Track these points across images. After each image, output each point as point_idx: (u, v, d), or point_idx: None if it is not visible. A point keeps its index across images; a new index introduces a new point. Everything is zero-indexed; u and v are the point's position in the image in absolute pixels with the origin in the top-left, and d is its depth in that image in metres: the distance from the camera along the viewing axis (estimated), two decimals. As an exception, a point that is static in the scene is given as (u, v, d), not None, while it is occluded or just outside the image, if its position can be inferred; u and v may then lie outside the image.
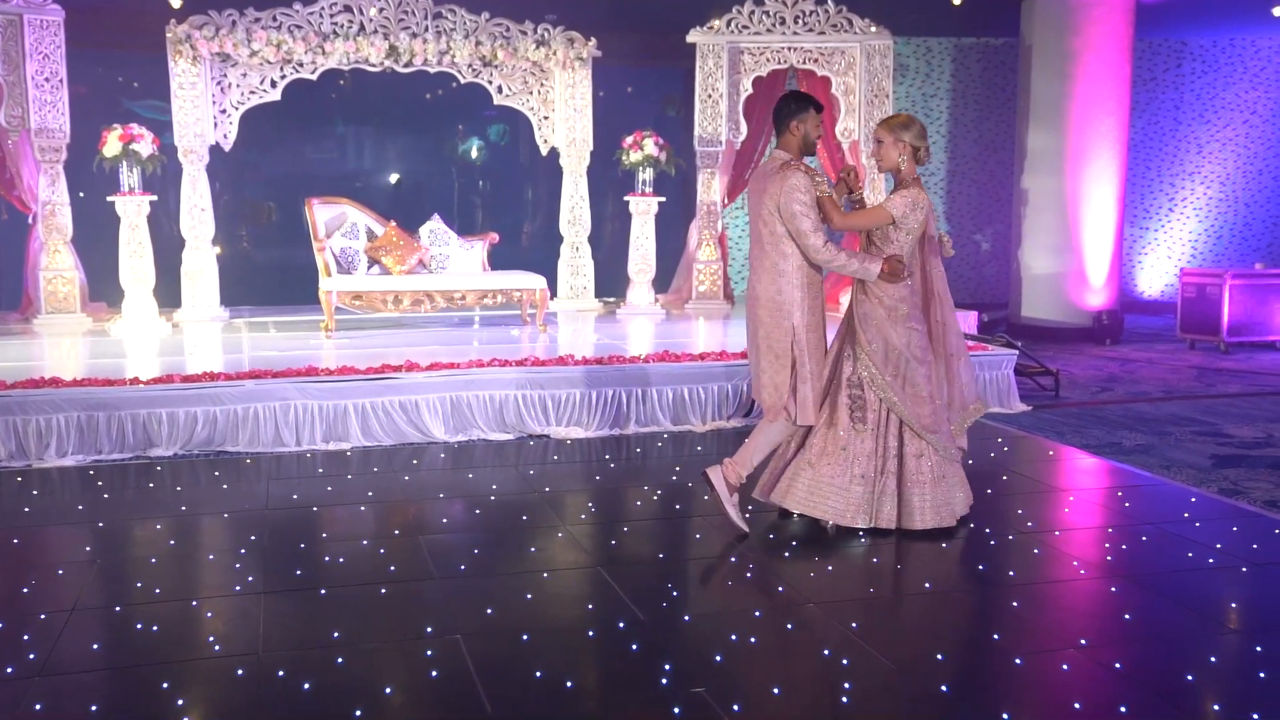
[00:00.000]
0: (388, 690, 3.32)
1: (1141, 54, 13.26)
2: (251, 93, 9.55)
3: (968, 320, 10.26)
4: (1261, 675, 3.42)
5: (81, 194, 10.23)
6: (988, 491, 5.57)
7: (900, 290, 4.73)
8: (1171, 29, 13.28)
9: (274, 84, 9.56)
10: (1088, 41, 11.24)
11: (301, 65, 9.51)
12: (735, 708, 3.18)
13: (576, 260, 10.45)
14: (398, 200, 12.78)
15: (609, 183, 11.74)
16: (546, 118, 10.28)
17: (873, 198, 10.43)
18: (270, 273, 12.09)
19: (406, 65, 9.70)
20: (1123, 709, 3.19)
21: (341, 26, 9.39)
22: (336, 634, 3.71)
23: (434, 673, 3.43)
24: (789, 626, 3.81)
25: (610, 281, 10.97)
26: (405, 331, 8.81)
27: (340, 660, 3.50)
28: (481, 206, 13.95)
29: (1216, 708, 3.20)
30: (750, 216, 4.82)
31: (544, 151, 10.43)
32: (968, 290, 13.64)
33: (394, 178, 13.17)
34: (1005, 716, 3.13)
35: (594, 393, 6.92)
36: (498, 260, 9.98)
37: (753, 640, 3.69)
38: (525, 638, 3.69)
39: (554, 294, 10.23)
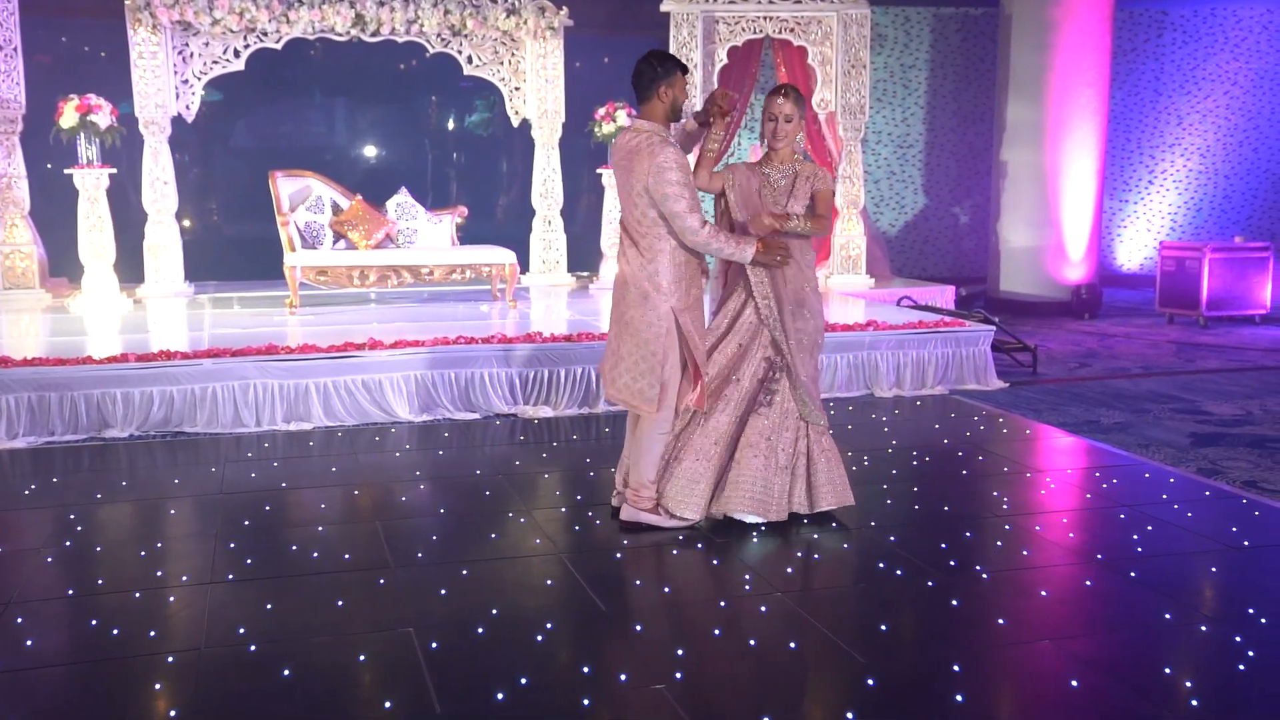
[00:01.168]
0: (331, 687, 3.18)
1: (1122, 24, 13.10)
2: (214, 62, 9.31)
3: (945, 295, 10.16)
4: (1241, 668, 3.32)
5: (49, 165, 9.99)
6: (962, 473, 5.46)
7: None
8: (1153, -1, 13.14)
9: (237, 53, 9.32)
10: (1068, 11, 11.09)
11: (266, 34, 9.26)
12: (695, 706, 3.06)
13: (549, 234, 10.27)
14: (366, 174, 12.55)
15: (584, 155, 11.54)
16: (518, 88, 10.07)
17: (851, 169, 10.29)
18: (237, 247, 11.86)
19: (374, 34, 9.47)
20: (1090, 699, 3.08)
21: (306, -6, 9.14)
22: (281, 627, 3.57)
23: (382, 668, 3.29)
24: (754, 616, 3.69)
25: (585, 256, 10.80)
26: (372, 308, 8.63)
27: (283, 655, 3.36)
28: (455, 179, 13.73)
29: (1194, 703, 3.09)
30: (619, 195, 4.44)
31: (515, 123, 10.23)
32: (946, 264, 13.53)
33: (368, 150, 12.90)
34: (967, 704, 3.02)
35: (562, 370, 6.77)
36: (470, 234, 9.80)
37: (716, 632, 3.56)
38: (480, 630, 3.55)
39: (526, 269, 10.07)
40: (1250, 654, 3.39)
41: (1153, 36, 13.56)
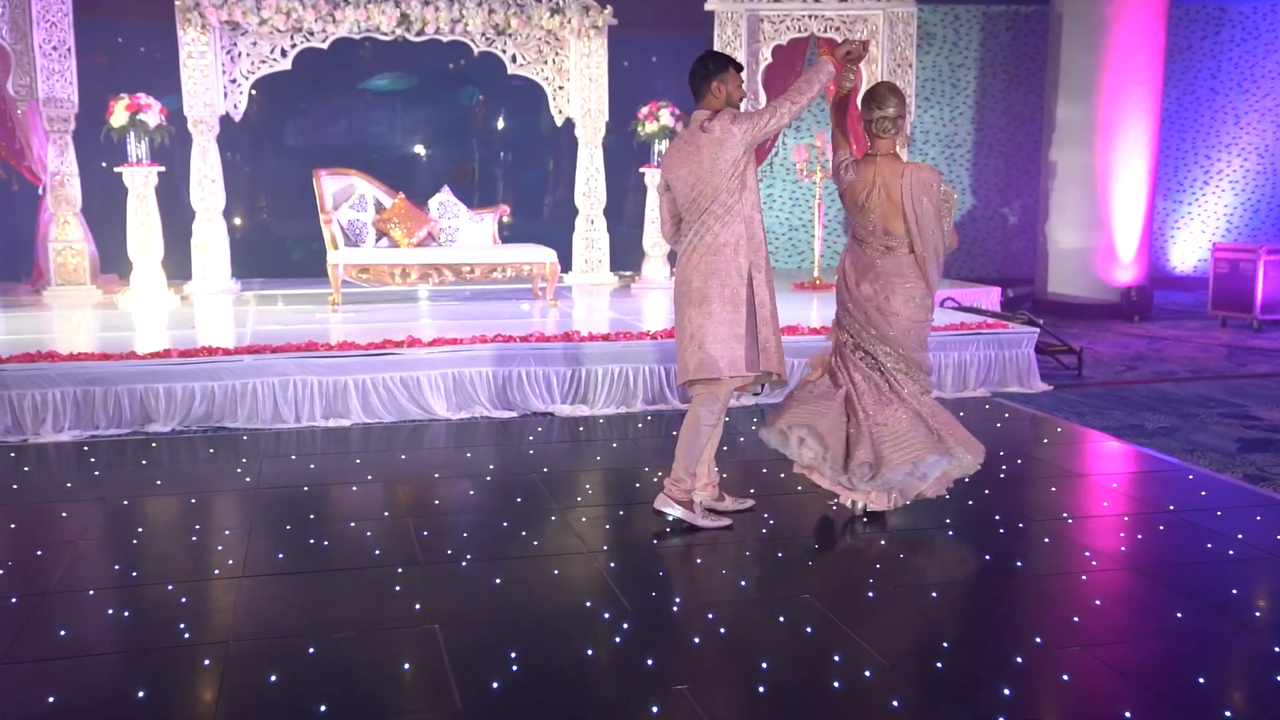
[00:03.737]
0: (356, 683, 3.20)
1: (1178, 21, 12.84)
2: (262, 62, 9.42)
3: (990, 296, 10.02)
4: (1278, 679, 3.23)
5: (105, 164, 10.17)
6: (1000, 476, 5.38)
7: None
8: (1210, -6, 12.86)
9: (284, 53, 9.42)
10: (1120, 9, 10.88)
11: (312, 34, 9.36)
12: (716, 707, 3.04)
13: (592, 233, 10.27)
14: (411, 172, 12.64)
15: (630, 154, 11.54)
16: (561, 88, 10.09)
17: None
18: (284, 245, 12.01)
19: (419, 34, 9.54)
20: (1126, 713, 3.02)
21: (352, -7, 9.22)
22: (308, 622, 3.60)
23: (406, 664, 3.31)
24: (780, 620, 3.66)
25: (629, 255, 10.79)
26: (414, 306, 8.69)
27: (311, 650, 3.38)
28: (501, 178, 13.79)
29: (1227, 713, 3.01)
30: (675, 187, 4.41)
31: (559, 122, 10.25)
32: (993, 265, 13.35)
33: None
34: (1003, 709, 2.97)
35: (599, 369, 6.77)
36: (516, 233, 9.84)
37: (740, 633, 3.54)
38: (506, 629, 3.55)
39: (569, 268, 10.08)
40: (1288, 666, 3.30)
41: (1210, 34, 13.27)
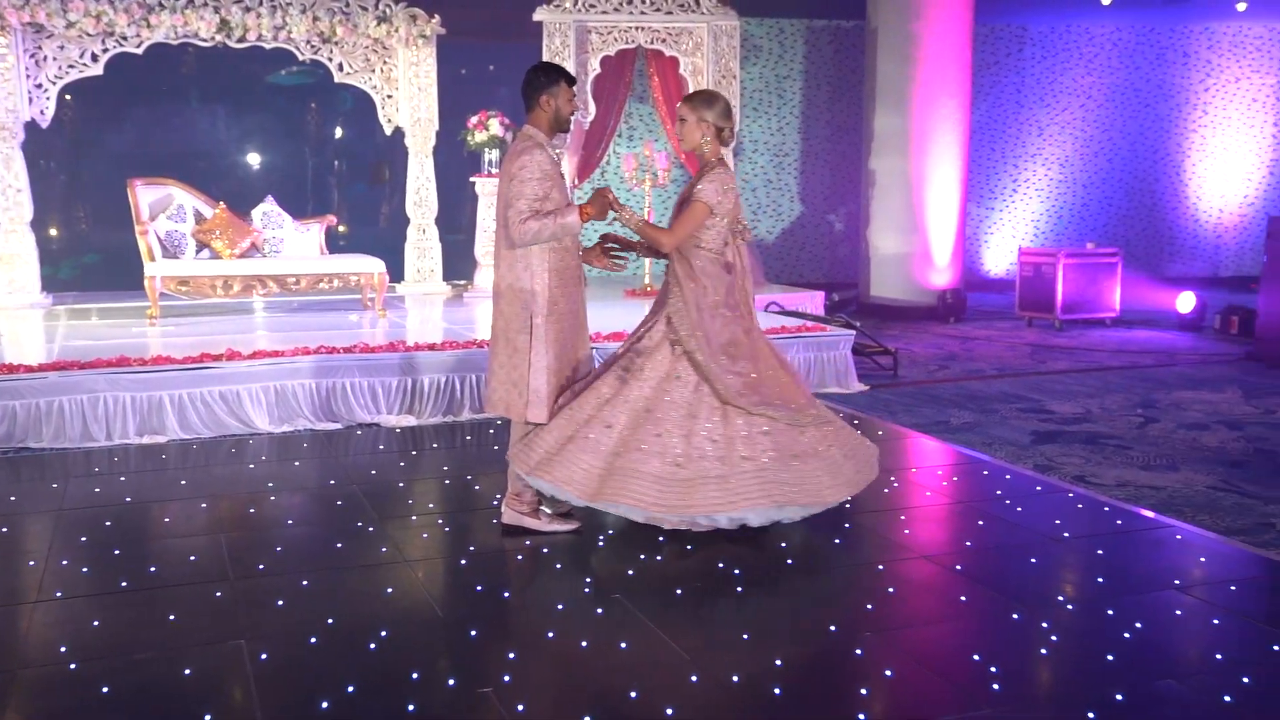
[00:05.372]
0: (155, 705, 3.14)
1: (983, 38, 13.60)
2: (70, 66, 9.07)
3: (814, 300, 10.41)
4: (1043, 652, 3.50)
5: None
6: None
7: (720, 278, 4.60)
8: (1013, 14, 13.65)
9: (95, 57, 9.09)
10: (929, 26, 11.47)
11: (125, 38, 9.06)
12: (520, 708, 3.11)
13: (423, 243, 10.24)
14: (239, 183, 12.32)
15: (463, 163, 11.52)
16: (390, 96, 10.02)
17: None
18: (101, 257, 11.54)
19: (240, 40, 9.33)
20: (903, 689, 3.23)
21: (168, -2, 8.96)
22: (107, 644, 3.52)
23: (207, 682, 3.27)
24: (590, 619, 3.76)
25: (463, 264, 10.78)
26: (238, 318, 8.49)
27: (105, 672, 3.31)
28: (335, 187, 13.58)
29: (995, 687, 3.25)
30: (496, 202, 4.47)
31: (388, 131, 10.17)
32: (820, 270, 13.84)
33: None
34: (785, 699, 3.14)
35: (426, 379, 6.76)
36: (352, 243, 9.71)
37: (550, 635, 3.62)
38: (313, 640, 3.55)
39: (401, 277, 10.02)
40: (1054, 639, 3.58)
41: (1013, 51, 14.09)
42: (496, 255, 4.50)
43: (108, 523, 4.79)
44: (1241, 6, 13.36)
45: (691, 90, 10.25)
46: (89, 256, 11.82)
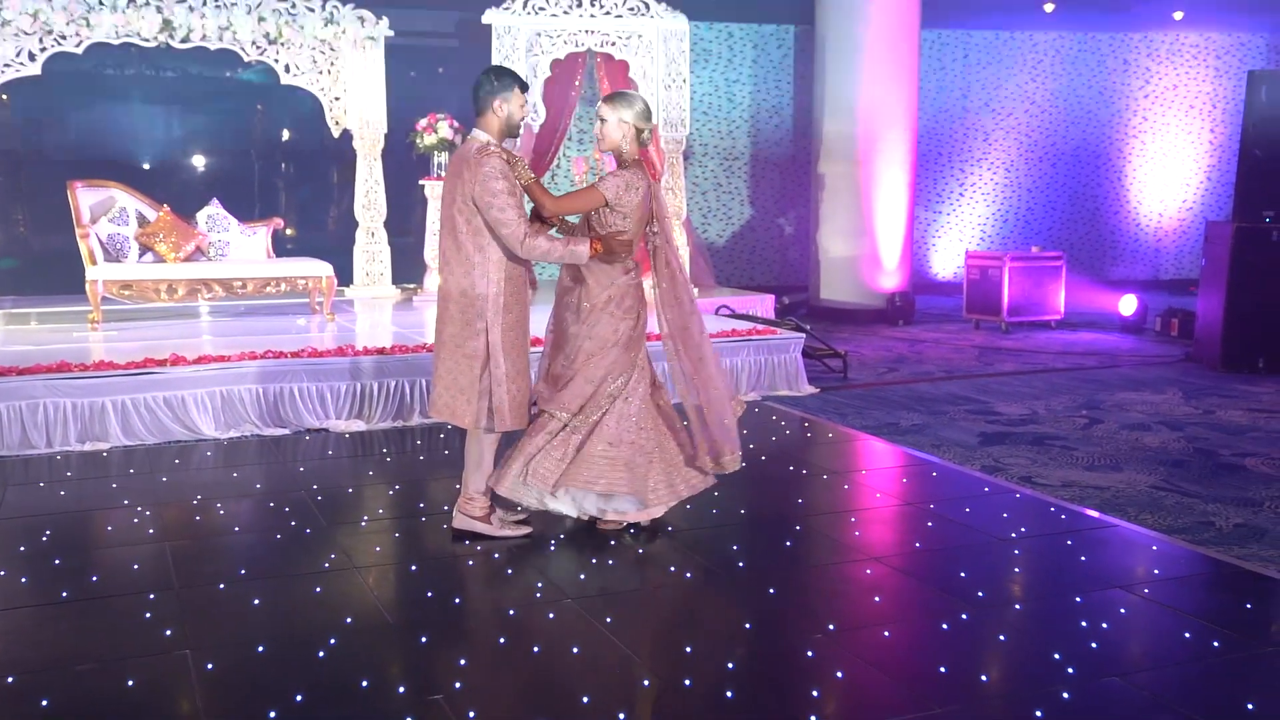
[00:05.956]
0: (96, 717, 3.08)
1: (930, 44, 13.76)
2: (6, 65, 8.85)
3: (765, 303, 10.46)
4: (992, 652, 3.54)
5: None
6: (762, 477, 5.64)
7: (621, 278, 4.56)
8: (959, 22, 13.83)
9: (33, 56, 8.87)
10: (876, 32, 11.58)
11: (64, 38, 8.87)
12: (471, 714, 3.09)
13: (372, 246, 10.14)
14: (184, 185, 12.13)
15: (413, 166, 11.43)
16: (338, 99, 9.91)
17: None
18: (41, 260, 11.31)
19: (183, 41, 9.17)
20: (859, 690, 3.25)
21: (108, -3, 8.80)
22: (44, 657, 3.44)
23: (151, 692, 3.21)
24: (541, 624, 3.74)
25: (410, 268, 10.69)
26: (184, 322, 8.35)
27: (43, 686, 3.23)
28: (281, 190, 13.41)
29: (944, 687, 3.28)
30: (443, 205, 4.42)
31: (336, 134, 10.06)
32: (771, 273, 13.92)
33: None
34: (734, 701, 3.14)
35: (375, 384, 6.70)
36: (299, 247, 9.59)
37: (501, 640, 3.60)
38: (260, 649, 3.50)
39: (350, 281, 9.92)
40: (1001, 638, 3.62)
41: (959, 57, 14.27)
42: (443, 259, 4.46)
43: (48, 532, 4.69)
44: (1178, 15, 13.66)
45: (635, 89, 10.28)
46: (4, 261, 11.58)
